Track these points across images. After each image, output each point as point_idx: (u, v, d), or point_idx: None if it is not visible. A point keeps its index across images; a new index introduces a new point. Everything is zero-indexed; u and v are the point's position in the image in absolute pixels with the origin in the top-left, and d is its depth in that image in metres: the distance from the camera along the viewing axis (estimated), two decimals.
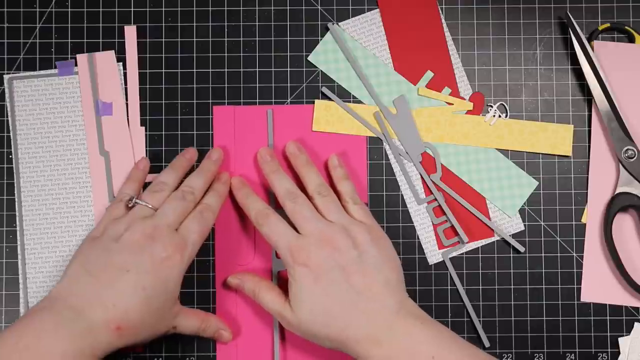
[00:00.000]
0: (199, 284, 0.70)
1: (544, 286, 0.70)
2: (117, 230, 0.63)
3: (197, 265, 0.69)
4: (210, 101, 0.71)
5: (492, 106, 0.71)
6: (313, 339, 0.63)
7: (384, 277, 0.62)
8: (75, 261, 0.62)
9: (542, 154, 0.71)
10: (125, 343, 0.60)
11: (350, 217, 0.65)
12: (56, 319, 0.58)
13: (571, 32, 0.69)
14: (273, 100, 0.71)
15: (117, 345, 0.60)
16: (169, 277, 0.61)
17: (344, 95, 0.71)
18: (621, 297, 0.69)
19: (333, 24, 0.71)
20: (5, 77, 0.71)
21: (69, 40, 0.71)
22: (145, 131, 0.70)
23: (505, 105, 0.71)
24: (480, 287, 0.70)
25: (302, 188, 0.66)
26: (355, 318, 0.60)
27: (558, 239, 0.70)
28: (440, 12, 0.71)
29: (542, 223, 0.70)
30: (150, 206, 0.64)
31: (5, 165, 0.70)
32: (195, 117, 0.70)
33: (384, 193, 0.70)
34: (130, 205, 0.65)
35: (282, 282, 0.69)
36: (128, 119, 0.70)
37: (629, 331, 0.70)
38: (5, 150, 0.70)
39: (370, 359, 0.60)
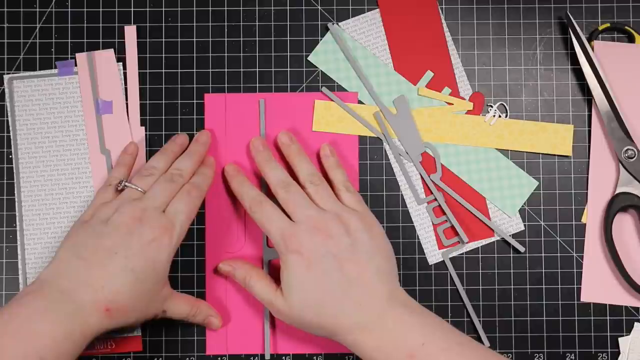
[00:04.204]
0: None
1: (544, 286, 0.70)
2: (106, 213, 0.63)
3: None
4: None
5: (492, 106, 0.71)
6: (304, 327, 0.63)
7: (375, 266, 0.62)
8: (64, 244, 0.63)
9: (542, 154, 0.71)
10: (115, 325, 0.61)
11: (343, 205, 0.65)
12: (45, 302, 0.58)
13: (571, 32, 0.69)
14: None
15: (107, 327, 0.60)
16: (157, 258, 0.62)
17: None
18: (621, 297, 0.69)
19: (333, 24, 0.71)
20: (5, 77, 0.71)
21: (69, 40, 0.71)
22: (145, 131, 0.70)
23: (505, 105, 0.71)
24: (480, 287, 0.70)
25: (295, 178, 0.67)
26: (346, 306, 0.60)
27: (558, 239, 0.70)
28: (440, 12, 0.71)
29: (542, 223, 0.70)
30: (139, 189, 0.64)
31: (5, 165, 0.70)
32: (195, 117, 0.71)
33: (384, 193, 0.70)
34: (119, 189, 0.65)
35: (272, 272, 0.69)
36: (128, 119, 0.70)
37: (629, 331, 0.70)
38: (5, 150, 0.70)
39: (360, 347, 0.60)
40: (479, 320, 0.70)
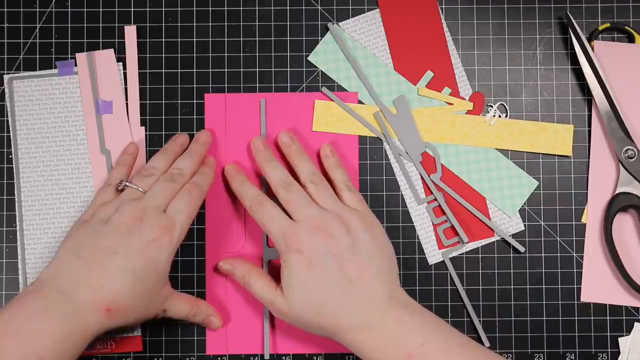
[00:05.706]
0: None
1: (544, 286, 0.70)
2: (106, 213, 0.63)
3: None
4: None
5: (492, 106, 0.71)
6: (304, 327, 0.63)
7: (376, 266, 0.62)
8: (64, 244, 0.63)
9: (542, 154, 0.71)
10: (115, 325, 0.61)
11: (344, 205, 0.65)
12: (45, 302, 0.58)
13: (571, 32, 0.69)
14: None
15: (107, 326, 0.60)
16: (158, 258, 0.62)
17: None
18: (621, 297, 0.69)
19: (333, 24, 0.71)
20: (5, 77, 0.71)
21: (69, 40, 0.71)
22: (145, 131, 0.70)
23: (505, 105, 0.71)
24: (480, 287, 0.70)
25: (296, 177, 0.67)
26: (346, 306, 0.60)
27: (558, 239, 0.70)
28: (440, 12, 0.71)
29: (542, 223, 0.70)
30: (139, 189, 0.64)
31: (5, 165, 0.70)
32: (195, 117, 0.71)
33: (384, 193, 0.70)
34: (120, 189, 0.66)
35: (272, 271, 0.70)
36: (128, 119, 0.70)
37: (629, 331, 0.70)
38: (5, 150, 0.70)
39: (359, 347, 0.60)
40: (479, 320, 0.70)
